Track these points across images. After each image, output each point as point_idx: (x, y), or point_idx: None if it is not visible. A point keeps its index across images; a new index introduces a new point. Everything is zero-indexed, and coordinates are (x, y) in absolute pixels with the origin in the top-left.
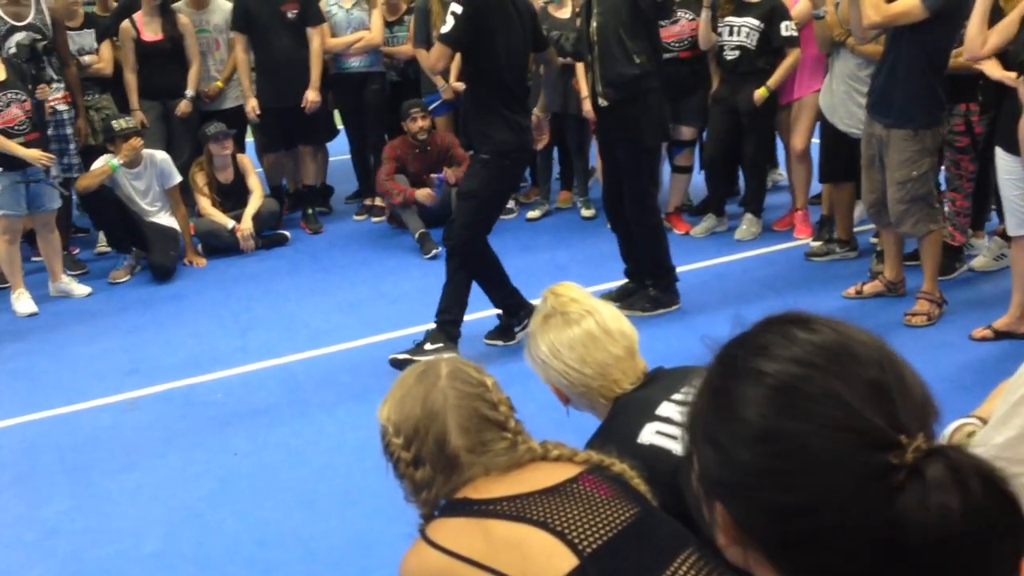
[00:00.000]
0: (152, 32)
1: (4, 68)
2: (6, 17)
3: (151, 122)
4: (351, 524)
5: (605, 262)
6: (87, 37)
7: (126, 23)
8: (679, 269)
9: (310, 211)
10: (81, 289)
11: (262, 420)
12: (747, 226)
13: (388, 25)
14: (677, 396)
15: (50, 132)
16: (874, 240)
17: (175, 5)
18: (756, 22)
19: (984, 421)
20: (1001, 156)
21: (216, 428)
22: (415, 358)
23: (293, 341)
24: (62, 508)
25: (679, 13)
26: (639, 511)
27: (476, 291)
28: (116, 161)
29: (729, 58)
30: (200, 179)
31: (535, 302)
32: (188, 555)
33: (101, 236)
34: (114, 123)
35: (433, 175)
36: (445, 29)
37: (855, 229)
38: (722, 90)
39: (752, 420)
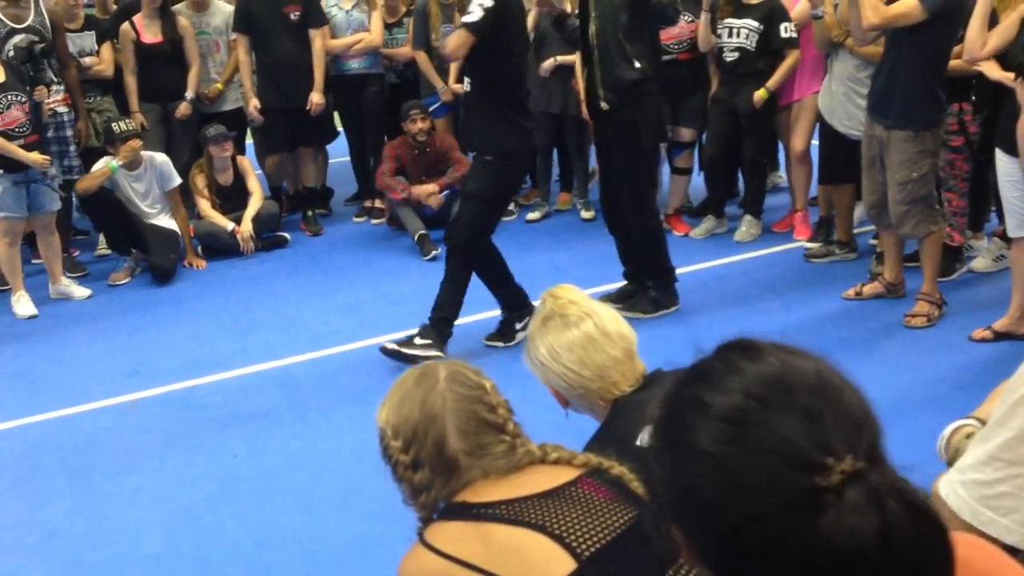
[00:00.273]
0: (152, 34)
1: (4, 70)
2: (5, 19)
3: (151, 124)
4: (350, 526)
5: (605, 264)
6: (87, 39)
7: (126, 25)
8: (679, 271)
9: (310, 213)
10: (81, 291)
11: (262, 422)
12: (747, 228)
13: (387, 27)
14: None
15: (50, 134)
16: (874, 242)
17: (175, 7)
18: (755, 24)
19: (983, 422)
20: (1000, 158)
21: (216, 430)
22: (404, 350)
23: (293, 343)
24: (62, 510)
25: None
26: (638, 514)
27: (476, 292)
28: (115, 162)
29: (728, 60)
30: (200, 181)
31: (534, 304)
32: (188, 557)
33: (101, 238)
34: (114, 125)
35: (442, 180)
36: (472, 19)
37: (855, 230)
38: (721, 92)
39: (694, 447)
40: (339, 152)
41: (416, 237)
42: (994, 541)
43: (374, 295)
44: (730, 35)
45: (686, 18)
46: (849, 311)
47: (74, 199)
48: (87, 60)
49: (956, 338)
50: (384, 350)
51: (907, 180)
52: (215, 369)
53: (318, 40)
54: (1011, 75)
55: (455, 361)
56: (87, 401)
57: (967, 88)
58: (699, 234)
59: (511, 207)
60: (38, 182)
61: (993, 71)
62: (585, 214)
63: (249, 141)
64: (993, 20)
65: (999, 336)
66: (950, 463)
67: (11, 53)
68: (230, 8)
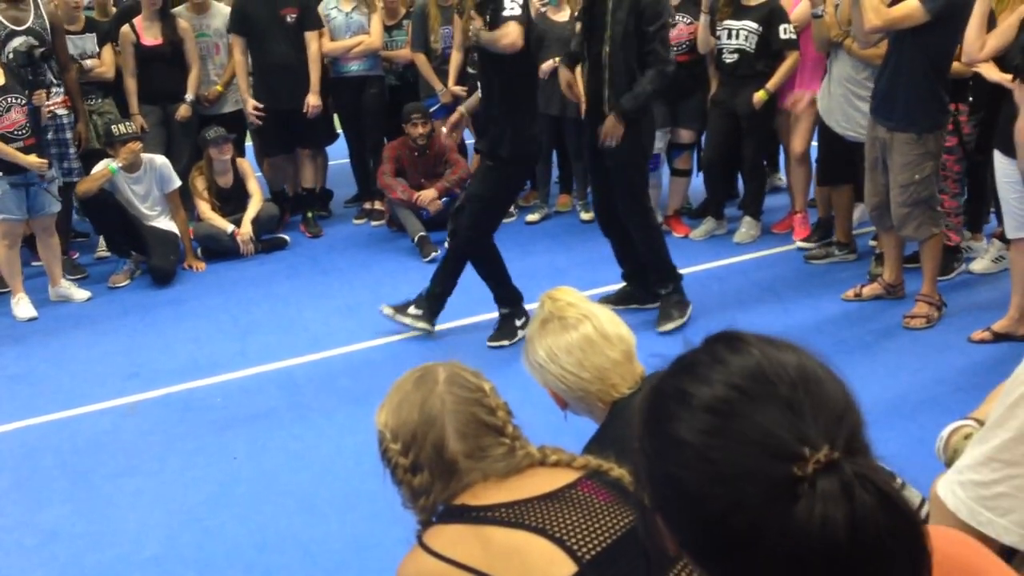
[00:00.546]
0: (152, 36)
1: (4, 73)
2: (5, 21)
3: (151, 126)
4: (350, 528)
5: (604, 265)
6: (88, 41)
7: (126, 27)
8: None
9: (309, 215)
10: (81, 293)
11: (261, 424)
12: (746, 229)
13: (387, 29)
14: None
15: (50, 136)
16: (873, 243)
17: (175, 9)
18: (755, 25)
19: (981, 423)
20: (999, 159)
21: (216, 432)
22: (398, 316)
23: (292, 345)
24: (62, 512)
25: (677, 17)
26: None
27: (477, 292)
28: (115, 164)
29: (728, 61)
30: (200, 183)
31: (533, 307)
32: (188, 559)
33: (101, 240)
34: (113, 128)
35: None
36: (515, 12)
37: (854, 232)
38: (721, 93)
39: (677, 437)
40: (339, 154)
41: (416, 239)
42: (993, 541)
43: (374, 296)
44: (729, 36)
45: (685, 20)
46: (849, 312)
47: (74, 201)
48: (88, 62)
49: (955, 339)
50: (382, 312)
51: (909, 182)
52: (215, 371)
53: (314, 42)
54: (1009, 77)
55: (454, 363)
56: (87, 403)
57: (964, 89)
58: (699, 235)
59: (511, 209)
60: (36, 185)
61: (991, 73)
62: (584, 216)
63: (249, 143)
64: (992, 22)
65: (998, 337)
66: (948, 464)
67: (11, 56)
68: (229, 10)
